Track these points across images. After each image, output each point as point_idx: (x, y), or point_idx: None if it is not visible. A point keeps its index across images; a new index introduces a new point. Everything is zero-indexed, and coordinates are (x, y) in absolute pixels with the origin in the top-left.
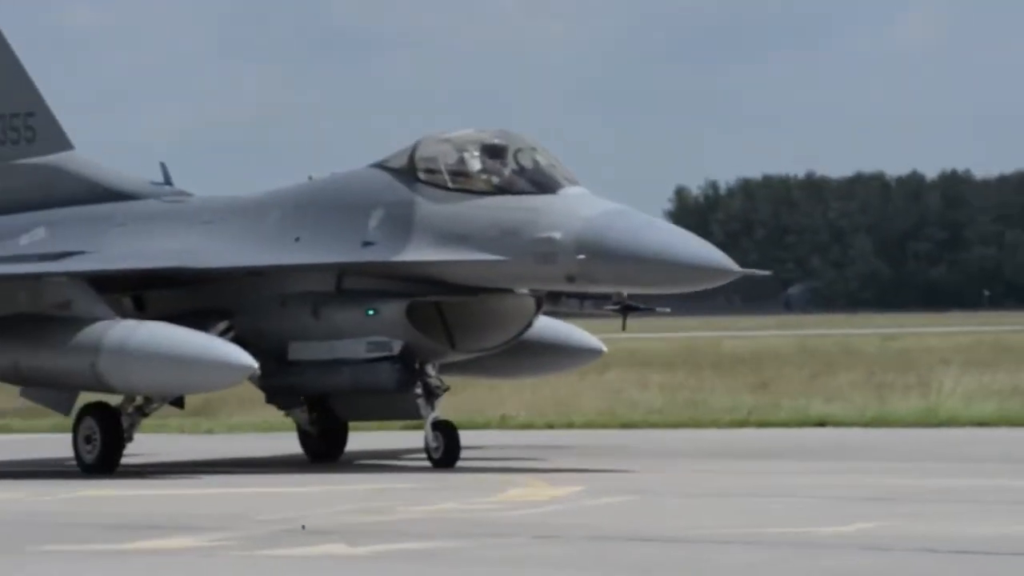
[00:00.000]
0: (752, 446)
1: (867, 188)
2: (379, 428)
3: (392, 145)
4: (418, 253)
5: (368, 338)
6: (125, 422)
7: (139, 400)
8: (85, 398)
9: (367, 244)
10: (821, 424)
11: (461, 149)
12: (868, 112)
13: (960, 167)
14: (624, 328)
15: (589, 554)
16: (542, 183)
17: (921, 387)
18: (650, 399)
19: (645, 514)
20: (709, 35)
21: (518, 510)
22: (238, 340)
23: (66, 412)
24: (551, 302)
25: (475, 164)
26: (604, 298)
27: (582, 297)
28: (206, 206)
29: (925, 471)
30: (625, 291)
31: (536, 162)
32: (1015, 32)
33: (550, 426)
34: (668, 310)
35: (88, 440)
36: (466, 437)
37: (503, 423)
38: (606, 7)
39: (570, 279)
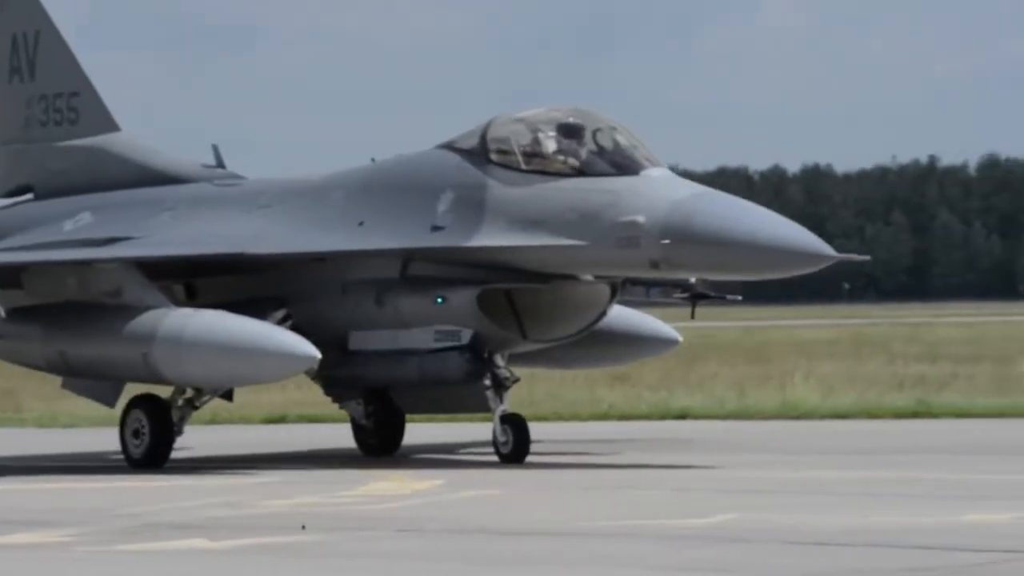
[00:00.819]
0: (614, 439)
1: (730, 182)
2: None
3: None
4: (491, 238)
5: (435, 327)
6: (175, 415)
7: (190, 392)
8: (131, 391)
9: (436, 228)
10: (682, 417)
11: (536, 129)
12: (731, 106)
13: (822, 161)
14: (693, 316)
15: (449, 547)
16: (623, 164)
17: (780, 380)
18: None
19: (508, 507)
20: (568, 30)
21: (380, 504)
22: (295, 329)
23: (111, 404)
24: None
25: (551, 144)
26: (673, 285)
27: (649, 284)
28: (262, 189)
29: (783, 464)
30: (712, 277)
31: (616, 142)
32: (875, 27)
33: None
34: (739, 298)
35: (136, 434)
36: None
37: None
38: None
39: (654, 265)
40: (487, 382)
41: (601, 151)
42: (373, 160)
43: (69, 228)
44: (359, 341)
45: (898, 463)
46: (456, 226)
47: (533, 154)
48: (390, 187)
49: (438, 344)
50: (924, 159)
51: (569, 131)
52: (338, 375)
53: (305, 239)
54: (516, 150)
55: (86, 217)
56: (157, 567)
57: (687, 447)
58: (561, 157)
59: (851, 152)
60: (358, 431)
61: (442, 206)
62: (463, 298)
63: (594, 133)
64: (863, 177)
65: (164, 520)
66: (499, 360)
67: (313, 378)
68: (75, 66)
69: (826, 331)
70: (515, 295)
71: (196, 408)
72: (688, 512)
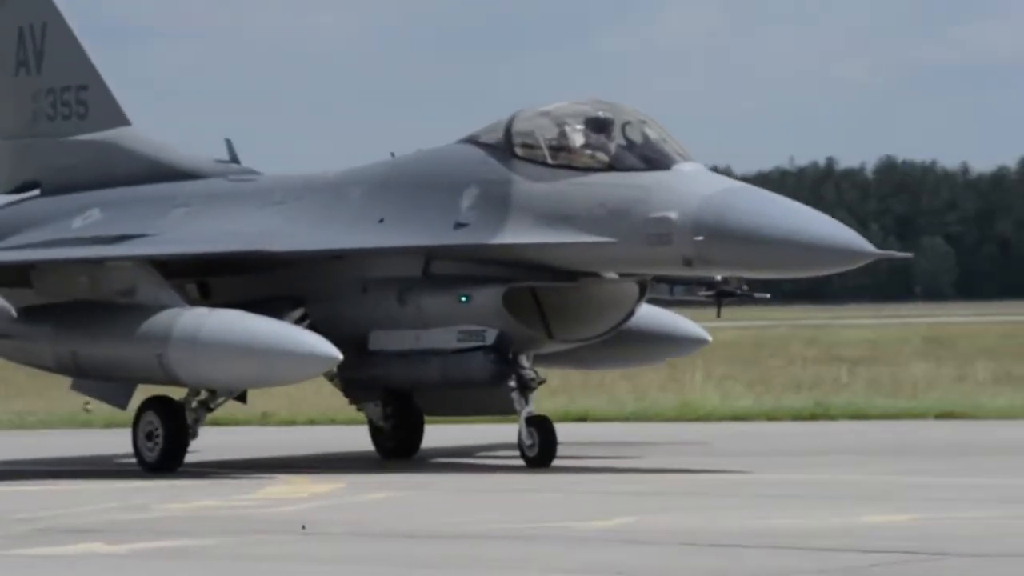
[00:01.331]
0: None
1: None
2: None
3: None
4: (517, 235)
5: (459, 327)
6: (189, 417)
7: (204, 394)
8: (143, 392)
9: (460, 225)
10: (583, 419)
11: (562, 122)
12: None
13: (721, 163)
14: (719, 315)
15: (350, 550)
16: (653, 159)
17: (680, 382)
18: None
19: (409, 510)
20: (457, 30)
21: (278, 507)
22: (313, 329)
23: (123, 406)
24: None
25: (578, 139)
26: (697, 283)
27: (673, 282)
28: (278, 185)
29: (683, 465)
30: (747, 275)
31: (646, 136)
32: (772, 31)
33: (312, 422)
34: (768, 296)
35: (150, 437)
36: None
37: (264, 420)
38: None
39: (687, 263)
40: (512, 383)
41: (630, 145)
42: (393, 155)
43: (78, 225)
44: (380, 341)
45: (797, 464)
46: (481, 223)
47: (560, 148)
48: (411, 183)
49: (462, 344)
50: (822, 161)
51: (597, 124)
52: (357, 376)
53: (323, 236)
54: (542, 144)
55: (95, 214)
56: (51, 571)
57: (588, 449)
58: (589, 151)
59: (750, 154)
60: (376, 433)
61: (466, 202)
62: (488, 297)
63: (623, 126)
64: (762, 179)
65: (61, 524)
66: (524, 361)
67: (331, 379)
68: (83, 58)
69: (725, 333)
70: (541, 294)
71: (211, 410)
72: (589, 514)
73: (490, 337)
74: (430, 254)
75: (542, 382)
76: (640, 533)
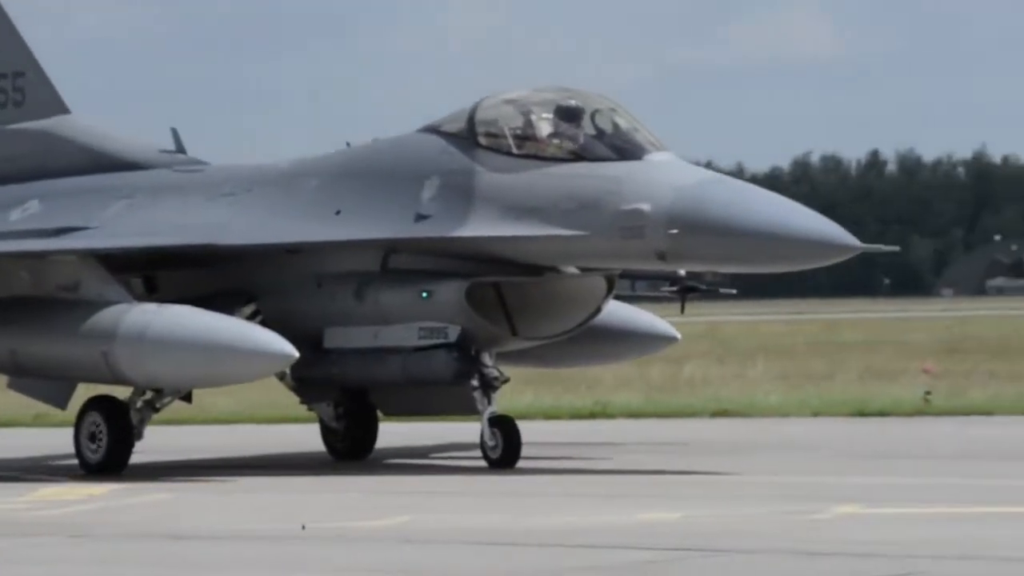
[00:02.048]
0: (291, 441)
1: None
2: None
3: None
4: (481, 228)
5: (420, 323)
6: (135, 418)
7: (150, 394)
8: (84, 392)
9: (421, 217)
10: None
11: (528, 111)
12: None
13: None
14: (683, 311)
15: (120, 553)
16: (624, 148)
17: None
18: None
19: (180, 512)
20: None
21: (49, 509)
22: (265, 326)
23: (63, 406)
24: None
25: (545, 127)
26: (661, 278)
27: (635, 277)
28: (228, 176)
29: (457, 466)
30: (724, 269)
31: (616, 125)
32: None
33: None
34: (734, 292)
35: (93, 438)
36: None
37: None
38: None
39: (660, 257)
40: (475, 382)
41: (600, 134)
42: (348, 145)
43: (16, 218)
44: (336, 338)
45: (573, 464)
46: (443, 215)
47: (526, 137)
48: (369, 173)
49: (423, 342)
50: None
51: (565, 113)
52: (312, 375)
53: (276, 229)
54: (507, 133)
55: (34, 206)
56: None
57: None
58: (557, 141)
59: None
60: (327, 434)
61: (427, 194)
62: (450, 292)
63: (592, 115)
64: None
65: None
66: (487, 359)
67: (281, 379)
68: (20, 44)
69: None
70: (505, 289)
71: (157, 410)
72: (368, 514)
73: (452, 334)
74: (389, 247)
75: (506, 381)
76: (415, 533)
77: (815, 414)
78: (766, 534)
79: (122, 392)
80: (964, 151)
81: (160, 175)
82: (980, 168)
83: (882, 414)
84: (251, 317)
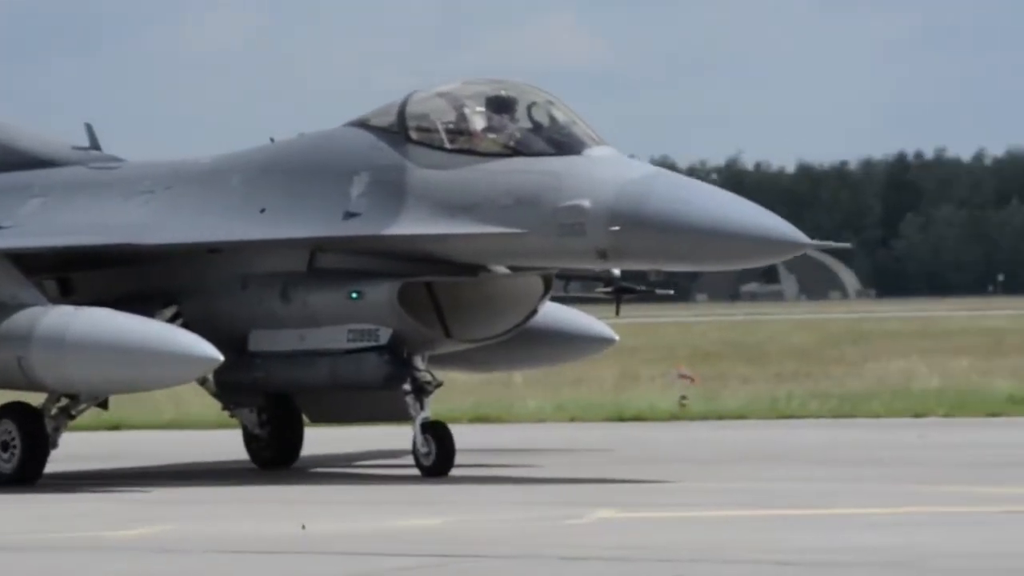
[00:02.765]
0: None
1: None
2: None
3: None
4: (414, 225)
5: (350, 325)
6: (49, 425)
7: (64, 400)
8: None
9: (350, 215)
10: (115, 428)
11: (461, 104)
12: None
13: None
14: (618, 313)
15: None
16: (563, 143)
17: None
18: None
19: None
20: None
21: None
22: (187, 329)
23: None
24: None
25: (480, 121)
26: (594, 278)
27: (568, 277)
28: (146, 173)
29: (217, 475)
30: (668, 268)
31: (553, 118)
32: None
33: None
34: (671, 292)
35: (5, 447)
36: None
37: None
38: None
39: (601, 255)
40: (407, 387)
41: (537, 128)
42: (272, 140)
43: None
44: (261, 341)
45: (330, 474)
46: (373, 212)
47: (459, 132)
48: (295, 169)
49: (352, 344)
50: None
51: (500, 105)
52: (235, 379)
53: (198, 228)
54: (439, 128)
55: None
56: None
57: (116, 458)
58: (492, 135)
59: None
60: (250, 441)
61: (356, 190)
62: (382, 293)
63: (528, 108)
64: None
65: None
66: (419, 362)
67: (202, 383)
68: None
69: None
70: (437, 289)
71: (73, 417)
72: (123, 523)
73: (384, 336)
74: (316, 246)
75: (439, 385)
76: (171, 542)
77: (572, 419)
78: (525, 539)
79: (36, 399)
80: (718, 158)
81: (75, 172)
82: (733, 174)
83: (639, 419)
84: (172, 319)
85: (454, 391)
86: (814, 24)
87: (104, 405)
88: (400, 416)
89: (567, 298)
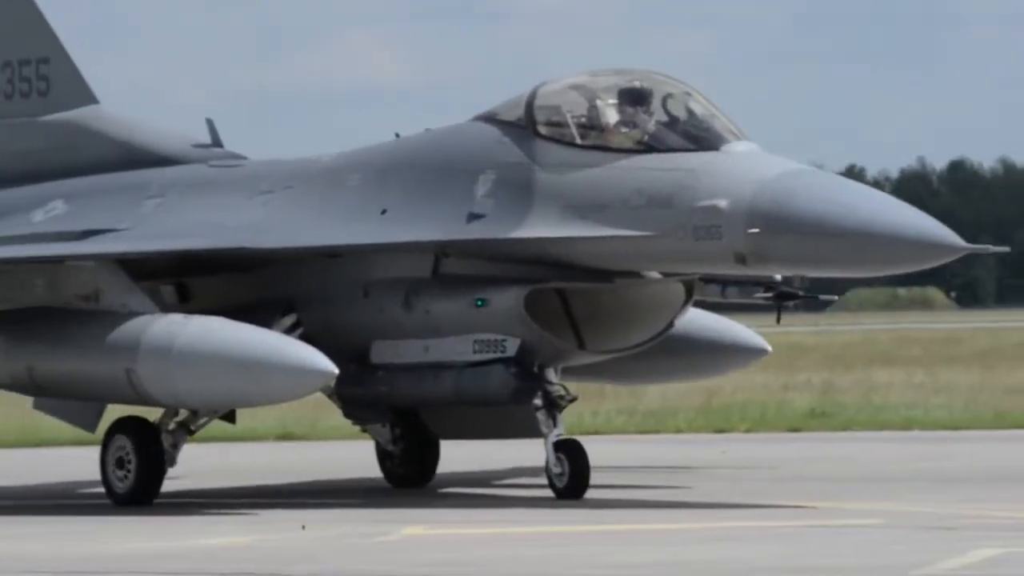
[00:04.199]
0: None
1: None
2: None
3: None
4: (540, 228)
5: (475, 335)
6: (166, 441)
7: (184, 414)
8: (115, 411)
9: (474, 217)
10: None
11: (593, 96)
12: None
13: None
14: (779, 321)
15: None
16: (700, 137)
17: None
18: None
19: None
20: None
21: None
22: (306, 338)
23: (92, 428)
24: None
25: (612, 114)
26: (754, 283)
27: (725, 282)
28: (267, 172)
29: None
30: (814, 273)
31: (691, 111)
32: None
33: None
34: (835, 299)
35: (121, 464)
36: None
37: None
38: None
39: (740, 259)
40: (538, 401)
41: (673, 122)
42: (397, 136)
43: (39, 219)
44: (383, 353)
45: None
46: (498, 214)
47: (590, 126)
48: (418, 168)
49: (478, 356)
50: None
51: (634, 98)
52: (359, 393)
53: (317, 231)
54: (570, 122)
55: (59, 206)
56: None
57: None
58: (625, 130)
59: None
60: (384, 458)
61: (481, 190)
62: (508, 300)
63: (664, 100)
64: None
65: None
66: (551, 375)
67: (330, 396)
68: (44, 27)
69: None
70: (571, 297)
71: (192, 433)
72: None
73: (511, 348)
74: (441, 250)
75: (573, 399)
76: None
77: None
78: (335, 557)
79: (153, 413)
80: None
81: (194, 171)
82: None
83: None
84: (290, 329)
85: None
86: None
87: (231, 418)
88: (531, 433)
89: (725, 304)
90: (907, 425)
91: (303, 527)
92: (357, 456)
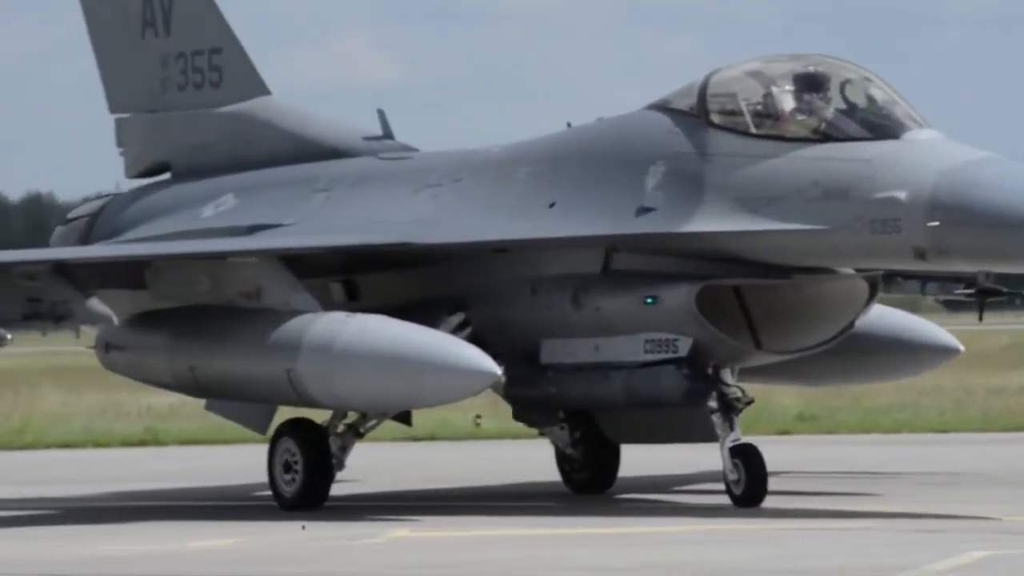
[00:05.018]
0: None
1: None
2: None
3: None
4: (711, 221)
5: (647, 334)
6: (334, 444)
7: (352, 416)
8: (285, 413)
9: (644, 210)
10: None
11: (769, 82)
12: None
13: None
14: (981, 319)
15: None
16: (880, 125)
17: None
18: None
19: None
20: None
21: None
22: (475, 338)
23: (262, 430)
24: (887, 285)
25: (788, 102)
26: (953, 279)
27: (924, 278)
28: (436, 164)
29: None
30: (999, 269)
31: (871, 97)
32: None
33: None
34: None
35: (288, 468)
36: None
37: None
38: None
39: (919, 254)
40: (713, 404)
41: (851, 109)
42: (569, 125)
43: (208, 214)
44: (553, 352)
45: (125, 492)
46: (668, 207)
47: (765, 115)
48: (588, 159)
49: (649, 356)
50: None
51: (811, 84)
52: (527, 395)
53: (484, 225)
54: (744, 110)
55: (229, 200)
56: None
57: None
58: (801, 117)
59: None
60: (563, 461)
61: (651, 182)
62: (679, 298)
63: (842, 86)
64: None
65: None
66: (728, 376)
67: (504, 396)
68: (216, 16)
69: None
70: (747, 294)
71: (361, 435)
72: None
73: (683, 347)
74: (611, 246)
75: (750, 402)
76: None
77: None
78: (319, 559)
79: (321, 415)
80: None
81: (363, 164)
82: None
83: (433, 438)
84: (459, 329)
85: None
86: None
87: (406, 419)
88: (706, 437)
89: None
90: (896, 428)
91: (303, 527)
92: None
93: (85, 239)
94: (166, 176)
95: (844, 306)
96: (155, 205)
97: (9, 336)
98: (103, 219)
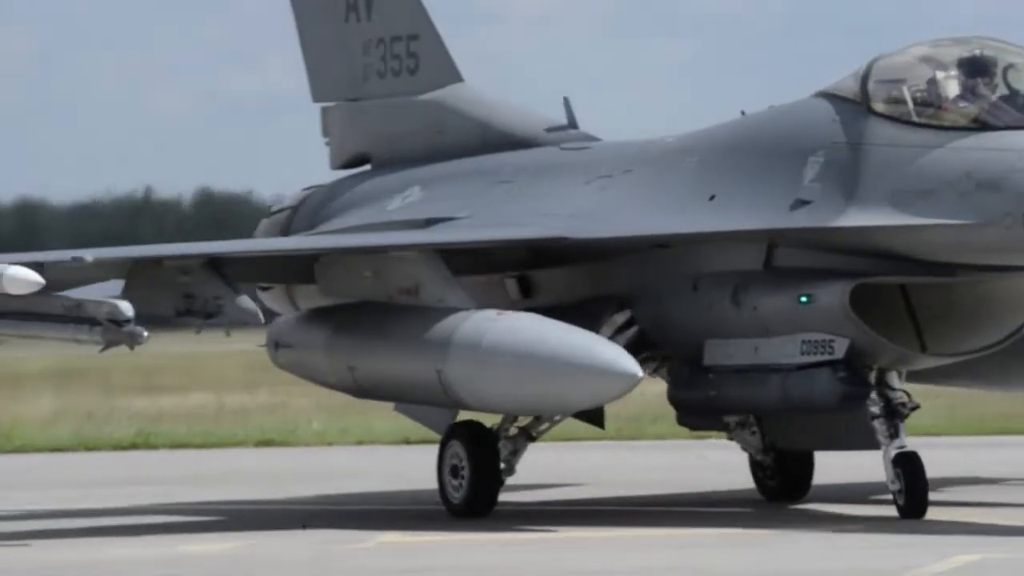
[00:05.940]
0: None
1: None
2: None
3: None
4: (868, 215)
5: (803, 335)
6: (504, 449)
7: (526, 418)
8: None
9: (800, 203)
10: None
11: (936, 67)
12: None
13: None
14: None
15: None
16: None
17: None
18: None
19: None
20: None
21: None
22: (642, 338)
23: (442, 430)
24: None
25: (952, 89)
26: None
27: None
28: (610, 155)
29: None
30: None
31: None
32: None
33: None
34: None
35: (455, 473)
36: None
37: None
38: None
39: None
40: (875, 410)
41: (1013, 95)
42: (743, 113)
43: (394, 207)
44: (715, 353)
45: (120, 494)
46: (824, 200)
47: (928, 103)
48: (751, 149)
49: (806, 358)
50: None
51: (976, 69)
52: (687, 398)
53: (644, 218)
54: (907, 97)
55: (415, 192)
56: None
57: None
58: (962, 105)
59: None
60: (756, 468)
61: (809, 173)
62: (832, 296)
63: (1005, 71)
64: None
65: None
66: (893, 380)
67: (668, 400)
68: (415, 3)
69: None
70: (912, 293)
71: (533, 439)
72: None
73: (839, 349)
74: (771, 241)
75: (916, 408)
76: None
77: (359, 442)
78: (307, 563)
79: (491, 417)
80: None
81: (543, 155)
82: None
83: (427, 442)
84: (623, 328)
85: (236, 415)
86: None
87: (598, 422)
88: (868, 444)
89: None
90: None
91: (303, 526)
92: None
93: (286, 232)
94: (367, 167)
95: (1016, 305)
96: (350, 197)
97: (146, 334)
98: (303, 212)
